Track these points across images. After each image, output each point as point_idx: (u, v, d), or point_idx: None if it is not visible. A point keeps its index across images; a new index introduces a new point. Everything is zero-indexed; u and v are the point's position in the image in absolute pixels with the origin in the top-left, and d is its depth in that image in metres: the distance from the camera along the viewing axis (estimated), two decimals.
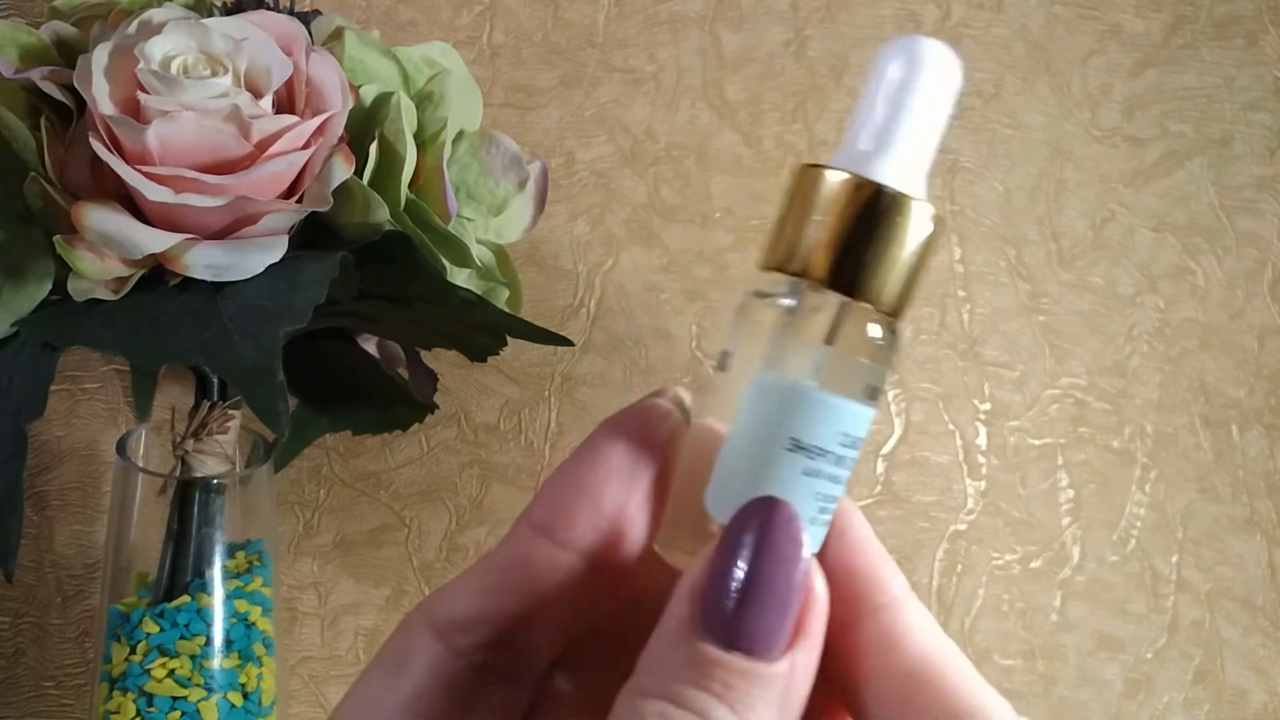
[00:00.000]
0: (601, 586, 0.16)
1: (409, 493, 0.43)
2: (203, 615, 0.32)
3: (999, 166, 0.46)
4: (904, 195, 0.16)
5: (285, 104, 0.30)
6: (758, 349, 0.16)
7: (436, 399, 0.38)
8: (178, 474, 0.33)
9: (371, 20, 0.44)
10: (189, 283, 0.29)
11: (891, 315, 0.16)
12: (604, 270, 0.44)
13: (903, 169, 0.16)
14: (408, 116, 0.31)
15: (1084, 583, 0.45)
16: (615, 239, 0.44)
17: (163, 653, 0.31)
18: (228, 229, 0.29)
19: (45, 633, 0.42)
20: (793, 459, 0.15)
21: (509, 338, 0.34)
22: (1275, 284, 0.47)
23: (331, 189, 0.29)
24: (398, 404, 0.37)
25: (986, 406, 0.45)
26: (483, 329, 0.33)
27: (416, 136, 0.32)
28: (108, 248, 0.28)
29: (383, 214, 0.30)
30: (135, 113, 0.28)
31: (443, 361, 0.41)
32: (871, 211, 0.15)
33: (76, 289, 0.29)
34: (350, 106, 0.30)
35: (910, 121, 0.16)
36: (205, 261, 0.28)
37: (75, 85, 0.29)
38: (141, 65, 0.28)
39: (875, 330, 0.16)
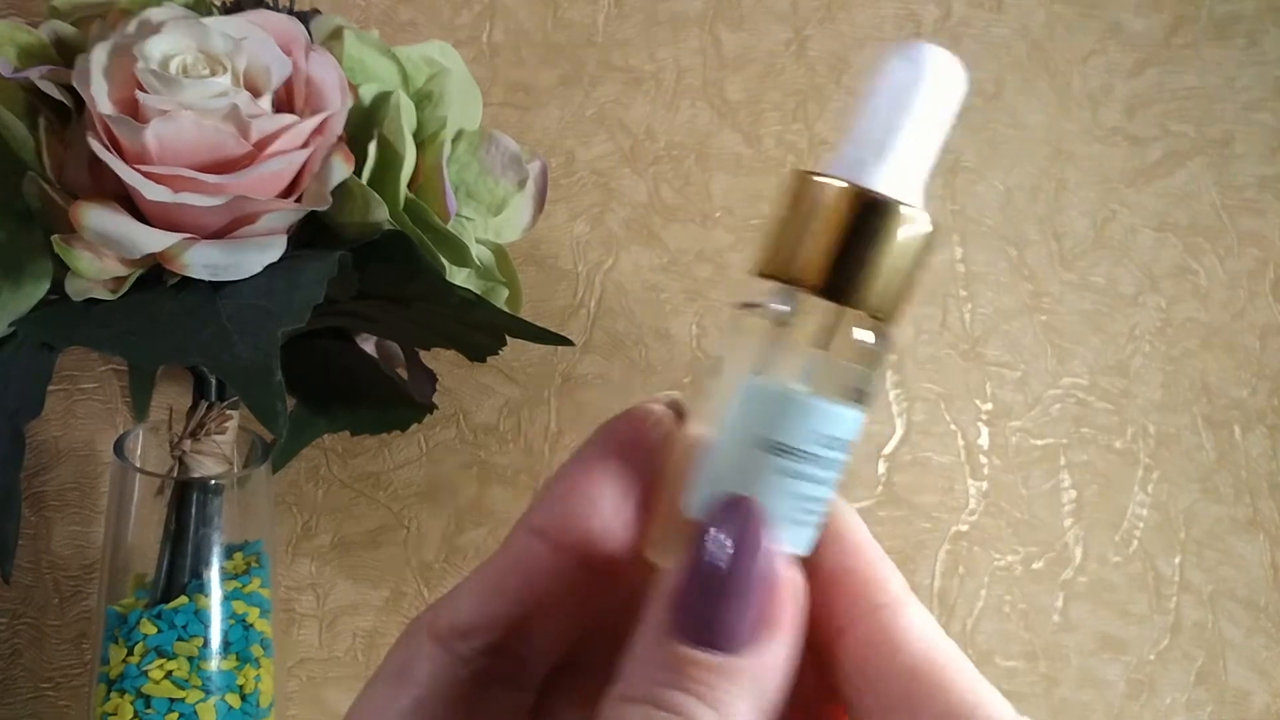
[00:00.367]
0: (599, 589, 0.16)
1: (408, 493, 0.43)
2: (200, 616, 0.32)
3: (1000, 166, 0.46)
4: (900, 204, 0.16)
5: (284, 103, 0.30)
6: (747, 355, 0.16)
7: (435, 399, 0.38)
8: (175, 474, 0.33)
9: (371, 19, 0.44)
10: (187, 282, 0.29)
11: (883, 320, 0.16)
12: (604, 270, 0.44)
13: (900, 177, 0.16)
14: (407, 116, 0.31)
15: (1086, 584, 0.45)
16: (615, 239, 0.44)
17: (160, 654, 0.31)
18: (226, 228, 0.29)
19: (43, 634, 0.42)
20: (770, 460, 0.15)
21: (508, 337, 0.34)
22: (1277, 284, 0.47)
23: (330, 188, 0.29)
24: (396, 404, 0.37)
25: (988, 407, 0.45)
26: (482, 329, 0.33)
27: (416, 136, 0.32)
28: (106, 247, 0.28)
29: (382, 213, 0.30)
30: (134, 112, 0.28)
31: (442, 361, 0.41)
32: (867, 220, 0.15)
33: (75, 289, 0.29)
34: (349, 106, 0.30)
35: (911, 130, 0.15)
36: (204, 261, 0.28)
37: (74, 84, 0.29)
38: (140, 64, 0.28)
39: (863, 335, 0.16)
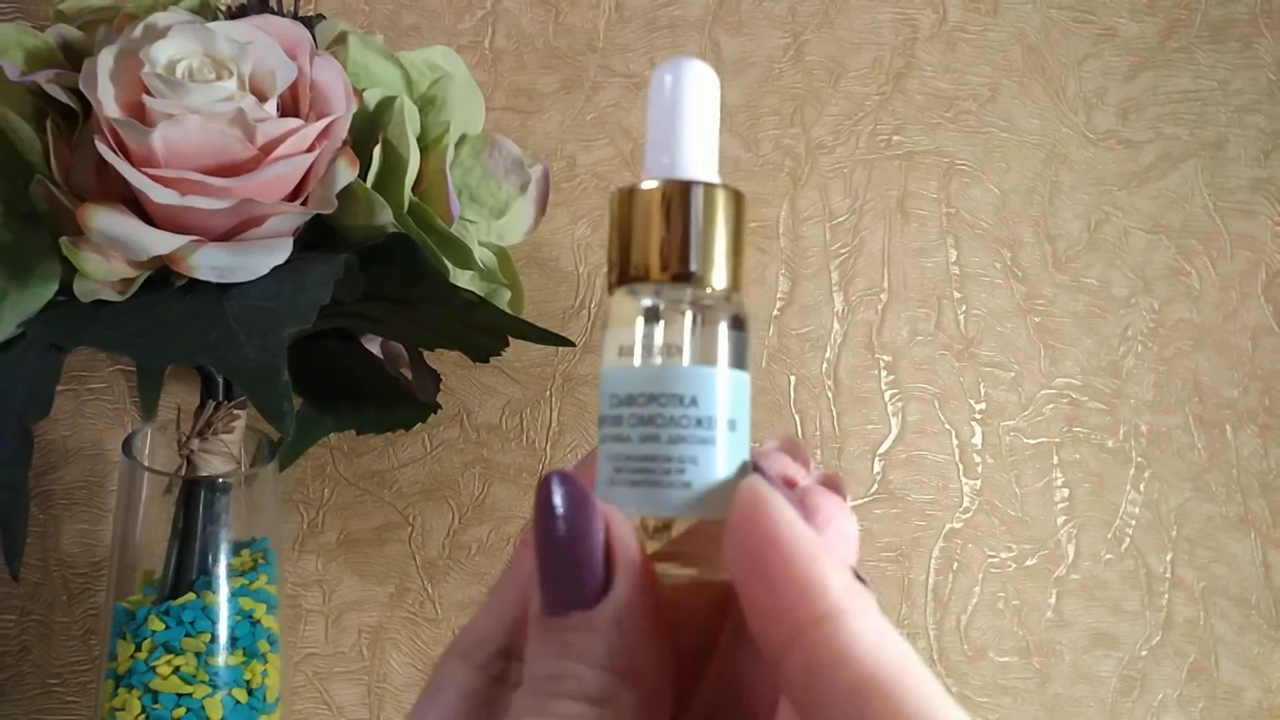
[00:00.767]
0: None
1: (412, 491, 0.44)
2: (208, 613, 0.32)
3: (994, 169, 0.46)
4: (701, 182, 0.18)
5: (289, 107, 0.30)
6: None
7: (439, 399, 0.38)
8: (183, 473, 0.33)
9: (375, 25, 0.44)
10: (194, 284, 0.29)
11: (703, 279, 0.17)
12: (604, 272, 0.44)
13: (694, 164, 0.18)
14: (411, 120, 0.31)
15: (1079, 581, 0.46)
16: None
17: (168, 650, 0.32)
18: (233, 231, 0.29)
19: (51, 630, 0.42)
20: (599, 434, 0.17)
21: (511, 338, 0.34)
22: (1269, 285, 0.47)
23: (335, 192, 0.29)
24: (401, 404, 0.38)
25: (982, 406, 0.46)
26: (485, 330, 0.34)
27: (419, 140, 0.32)
28: (113, 249, 0.28)
29: (386, 216, 0.30)
30: (140, 116, 0.28)
31: (445, 362, 0.42)
32: (682, 202, 0.17)
33: (82, 290, 0.29)
34: (354, 110, 0.30)
35: (687, 125, 0.18)
36: (210, 263, 0.28)
37: (81, 88, 0.29)
38: (147, 69, 0.28)
39: (630, 295, 0.18)
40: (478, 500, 0.44)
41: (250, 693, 0.33)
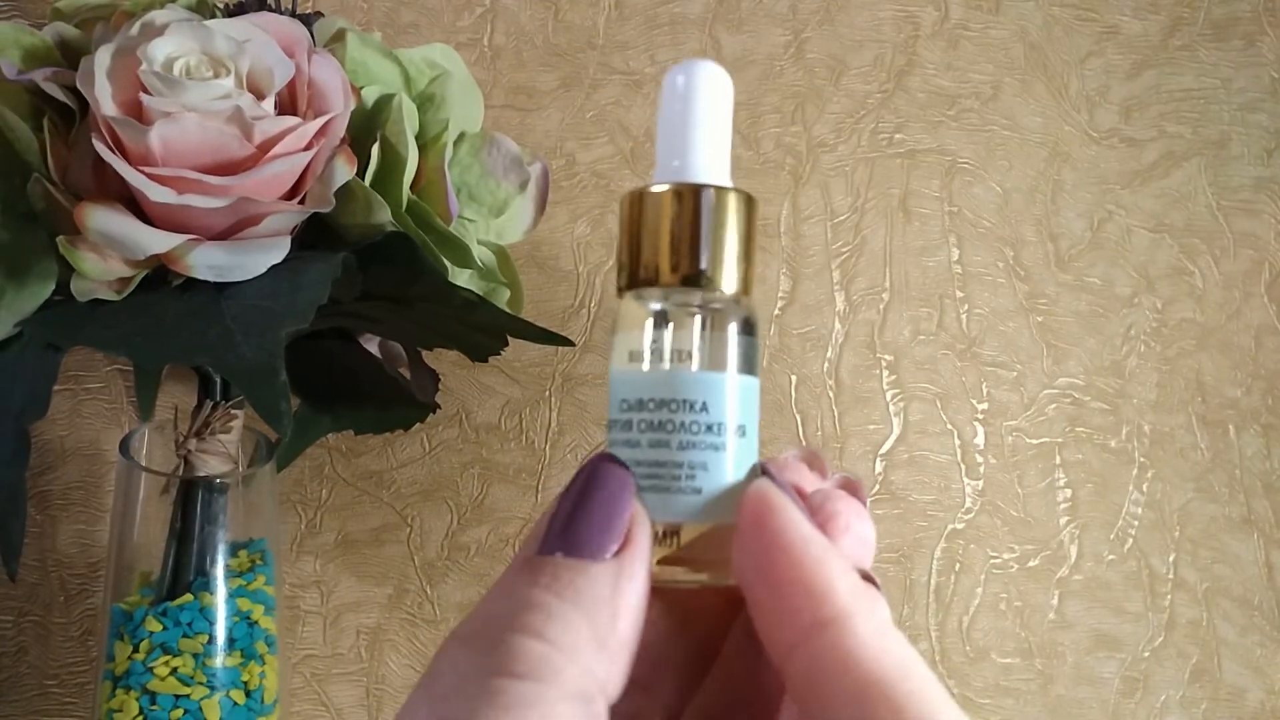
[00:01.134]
0: None
1: (411, 492, 0.43)
2: (205, 614, 0.32)
3: (997, 167, 0.46)
4: (713, 186, 0.17)
5: (287, 105, 0.30)
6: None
7: (438, 399, 0.38)
8: (180, 473, 0.33)
9: (373, 22, 0.44)
10: (192, 283, 0.29)
11: (713, 284, 0.17)
12: (604, 271, 0.44)
13: (706, 167, 0.18)
14: (409, 118, 0.31)
15: (1081, 581, 0.46)
16: (616, 240, 0.44)
17: (165, 651, 0.32)
18: (230, 230, 0.29)
19: (48, 631, 0.42)
20: (609, 436, 0.17)
21: (510, 338, 0.34)
22: (1272, 284, 0.47)
23: (333, 190, 0.29)
24: (399, 404, 0.38)
25: (984, 406, 0.46)
26: (484, 329, 0.34)
27: (418, 138, 0.32)
28: (110, 248, 0.28)
29: (384, 215, 0.30)
30: (138, 114, 0.28)
31: (444, 361, 0.41)
32: (693, 207, 0.17)
33: (79, 289, 0.29)
34: (352, 108, 0.30)
35: (699, 128, 0.18)
36: (208, 262, 0.28)
37: (78, 86, 0.29)
38: (144, 67, 0.28)
39: (639, 300, 0.17)
40: (477, 501, 0.44)
41: (248, 694, 0.32)
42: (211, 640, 0.32)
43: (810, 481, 0.18)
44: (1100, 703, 0.45)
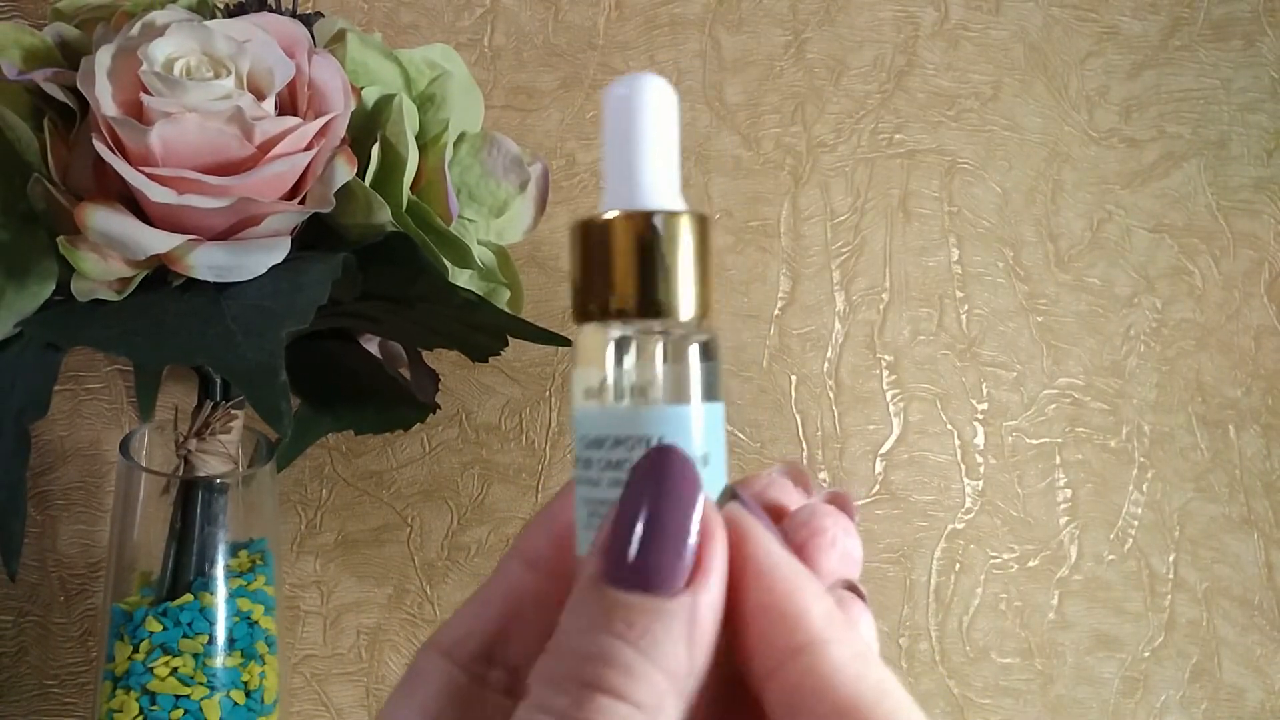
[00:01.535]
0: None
1: (411, 492, 0.43)
2: (205, 614, 0.32)
3: (997, 168, 0.46)
4: (663, 211, 0.16)
5: (288, 106, 0.30)
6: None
7: (438, 399, 0.38)
8: (181, 473, 0.33)
9: (373, 23, 0.44)
10: (192, 283, 0.29)
11: (668, 313, 0.16)
12: None
13: (656, 189, 0.17)
14: (409, 118, 0.31)
15: (1081, 581, 0.46)
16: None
17: (166, 651, 0.32)
18: (230, 230, 0.29)
19: (48, 631, 0.42)
20: (574, 473, 0.16)
21: (510, 338, 0.34)
22: (1272, 284, 0.47)
23: (334, 190, 0.29)
24: (400, 404, 0.38)
25: (984, 406, 0.46)
26: (484, 329, 0.34)
27: (418, 138, 0.32)
28: (111, 248, 0.28)
29: (385, 215, 0.30)
30: (138, 114, 0.28)
31: (444, 362, 0.41)
32: (643, 234, 0.16)
33: (80, 289, 0.29)
34: (352, 108, 0.30)
35: (644, 147, 0.17)
36: (208, 262, 0.28)
37: (78, 87, 0.29)
38: (144, 67, 0.28)
39: (594, 332, 0.16)
40: (477, 501, 0.44)
41: (248, 694, 0.32)
42: (212, 640, 0.32)
43: (796, 498, 0.18)
44: (1100, 703, 0.45)
